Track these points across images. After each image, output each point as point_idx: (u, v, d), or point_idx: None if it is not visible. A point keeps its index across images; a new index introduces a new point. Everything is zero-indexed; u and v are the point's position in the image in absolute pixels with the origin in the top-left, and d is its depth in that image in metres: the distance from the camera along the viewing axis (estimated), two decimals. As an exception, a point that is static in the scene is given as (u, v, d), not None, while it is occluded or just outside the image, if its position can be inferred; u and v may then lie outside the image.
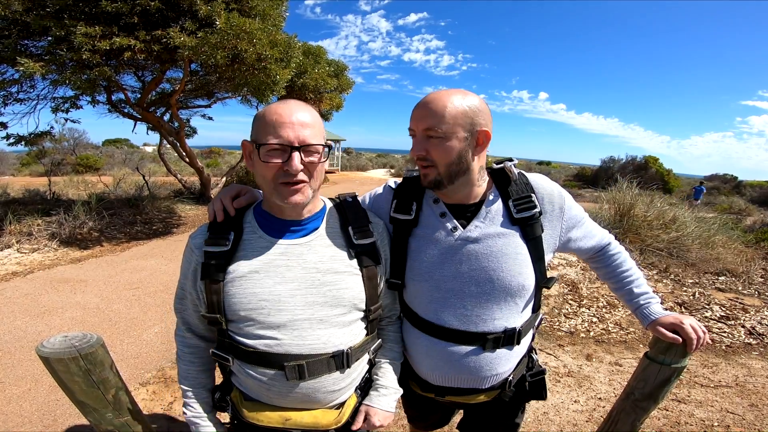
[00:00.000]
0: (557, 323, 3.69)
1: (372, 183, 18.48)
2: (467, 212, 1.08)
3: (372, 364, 1.12)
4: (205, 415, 1.05)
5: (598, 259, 1.24)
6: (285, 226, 1.00)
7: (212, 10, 5.37)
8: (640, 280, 1.20)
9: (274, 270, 0.96)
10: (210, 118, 11.15)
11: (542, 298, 1.80)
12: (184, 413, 1.05)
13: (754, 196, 21.76)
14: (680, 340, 1.06)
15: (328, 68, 9.46)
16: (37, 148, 8.96)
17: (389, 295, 1.13)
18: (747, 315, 3.93)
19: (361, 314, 1.03)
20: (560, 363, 3.00)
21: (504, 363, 1.11)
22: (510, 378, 1.15)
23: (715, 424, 2.37)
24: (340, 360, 0.97)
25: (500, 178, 1.10)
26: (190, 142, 10.08)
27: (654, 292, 1.26)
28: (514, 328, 1.08)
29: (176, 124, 8.82)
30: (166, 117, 9.32)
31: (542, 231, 1.06)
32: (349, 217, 1.05)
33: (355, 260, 1.02)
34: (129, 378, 2.68)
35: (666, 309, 1.15)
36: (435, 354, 1.10)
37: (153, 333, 3.34)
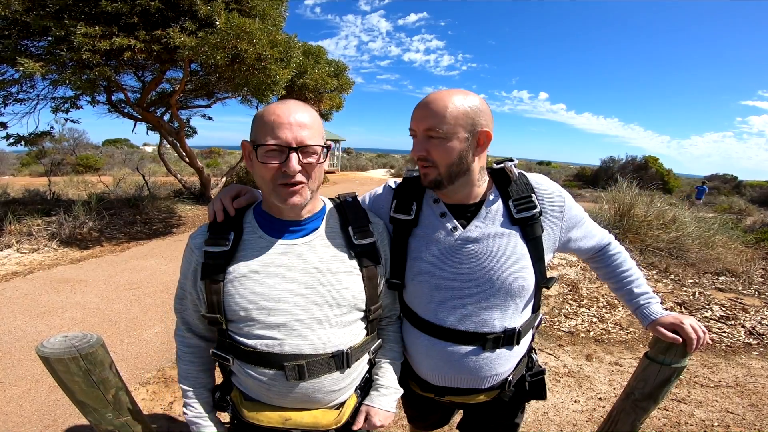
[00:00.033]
0: (557, 323, 3.69)
1: (372, 183, 18.48)
2: (467, 212, 1.08)
3: (372, 364, 1.12)
4: (206, 414, 1.05)
5: (598, 259, 1.24)
6: (285, 226, 1.00)
7: (212, 10, 5.37)
8: (640, 280, 1.20)
9: (274, 270, 0.96)
10: (210, 118, 11.16)
11: (542, 298, 1.80)
12: (184, 413, 1.05)
13: (754, 196, 21.76)
14: (680, 340, 1.06)
15: (328, 68, 9.46)
16: (37, 148, 8.96)
17: (389, 295, 1.13)
18: (747, 315, 3.93)
19: (361, 314, 1.03)
20: (560, 363, 3.00)
21: (504, 363, 1.11)
22: (510, 378, 1.15)
23: (715, 424, 2.37)
24: (340, 360, 0.97)
25: (500, 178, 1.10)
26: (190, 142, 10.09)
27: (654, 292, 1.26)
28: (514, 328, 1.08)
29: (176, 124, 8.82)
30: (166, 117, 9.32)
31: (542, 231, 1.06)
32: (349, 217, 1.05)
33: (355, 260, 1.02)
34: (129, 378, 2.68)
35: (666, 309, 1.15)
36: (435, 354, 1.10)
37: (153, 333, 3.34)
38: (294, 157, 0.88)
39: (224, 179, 11.14)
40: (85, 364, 0.87)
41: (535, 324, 1.20)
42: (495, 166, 1.11)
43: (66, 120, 8.17)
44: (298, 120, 0.89)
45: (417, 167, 1.07)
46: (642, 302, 1.16)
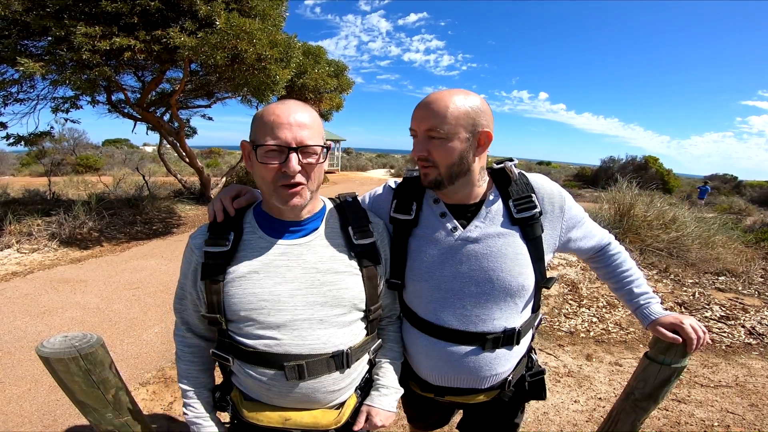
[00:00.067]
0: (557, 323, 3.69)
1: (372, 183, 18.48)
2: (467, 212, 1.08)
3: (372, 364, 1.12)
4: (207, 414, 1.05)
5: (598, 259, 1.24)
6: (284, 226, 1.00)
7: (212, 10, 5.37)
8: (640, 280, 1.20)
9: (274, 270, 0.96)
10: (210, 118, 11.16)
11: (542, 298, 1.80)
12: (184, 413, 1.05)
13: (754, 196, 21.75)
14: (680, 340, 1.06)
15: (328, 68, 9.46)
16: (37, 148, 8.95)
17: (389, 295, 1.13)
18: (747, 315, 3.93)
19: (361, 314, 1.03)
20: (560, 363, 3.00)
21: (503, 363, 1.10)
22: (509, 378, 1.15)
23: (715, 424, 2.37)
24: (340, 360, 0.97)
25: (500, 178, 1.10)
26: (190, 142, 10.09)
27: (654, 292, 1.26)
28: (514, 328, 1.08)
29: (176, 124, 8.82)
30: (166, 117, 9.32)
31: (542, 231, 1.06)
32: (349, 217, 1.05)
33: (355, 260, 1.02)
34: (129, 378, 2.68)
35: (666, 309, 1.15)
36: (434, 354, 1.10)
37: (153, 333, 3.34)
38: (294, 157, 0.88)
39: (224, 179, 11.14)
40: (85, 364, 0.87)
41: (535, 324, 1.20)
42: (495, 166, 1.11)
43: (66, 120, 8.18)
44: (297, 120, 0.89)
45: (417, 167, 1.07)
46: (642, 302, 1.16)
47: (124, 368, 2.79)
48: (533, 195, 1.06)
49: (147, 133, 9.74)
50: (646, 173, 19.55)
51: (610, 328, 3.61)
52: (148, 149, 29.14)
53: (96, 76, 5.39)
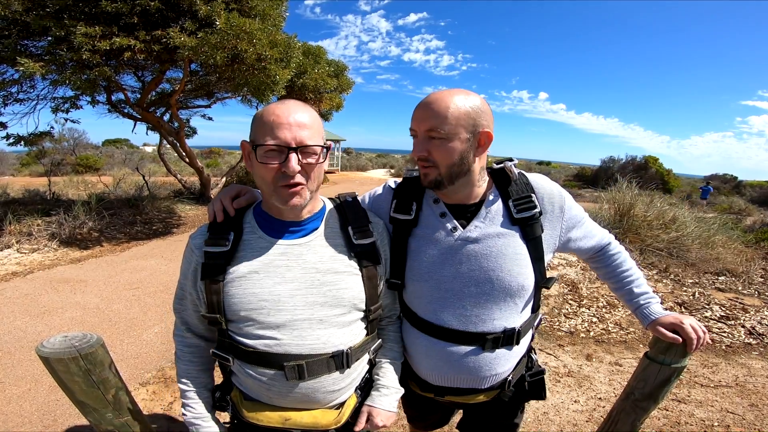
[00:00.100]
0: (557, 323, 3.69)
1: (372, 183, 18.48)
2: (467, 212, 1.08)
3: (372, 364, 1.12)
4: (206, 415, 1.05)
5: (598, 259, 1.24)
6: (284, 226, 1.00)
7: (212, 10, 5.37)
8: (640, 280, 1.20)
9: (273, 270, 0.96)
10: (210, 118, 11.16)
11: (542, 298, 1.80)
12: (183, 414, 1.05)
13: (754, 196, 21.76)
14: (680, 340, 1.06)
15: (328, 68, 9.47)
16: (37, 148, 8.96)
17: (389, 295, 1.13)
18: (747, 315, 3.93)
19: (361, 314, 1.03)
20: (560, 363, 3.00)
21: (503, 363, 1.10)
22: (509, 378, 1.15)
23: (715, 424, 2.37)
24: (340, 360, 0.97)
25: (500, 178, 1.10)
26: (190, 142, 10.09)
27: (654, 292, 1.27)
28: (514, 328, 1.08)
29: (176, 124, 8.82)
30: (166, 117, 9.32)
31: (542, 231, 1.06)
32: (349, 217, 1.05)
33: (354, 260, 1.02)
34: (129, 378, 2.68)
35: (666, 309, 1.15)
36: (434, 354, 1.10)
37: (153, 333, 3.34)
38: (293, 157, 0.88)
39: (224, 179, 11.14)
40: (85, 364, 0.87)
41: (535, 324, 1.20)
42: (495, 166, 1.11)
43: (66, 120, 8.18)
44: (297, 120, 0.89)
45: (417, 167, 1.07)
46: (642, 302, 1.16)
47: (124, 368, 2.79)
48: (533, 195, 1.06)
49: (147, 133, 9.75)
50: (646, 173, 19.56)
51: (610, 328, 3.61)
52: (148, 149, 29.14)
53: (96, 76, 5.39)
